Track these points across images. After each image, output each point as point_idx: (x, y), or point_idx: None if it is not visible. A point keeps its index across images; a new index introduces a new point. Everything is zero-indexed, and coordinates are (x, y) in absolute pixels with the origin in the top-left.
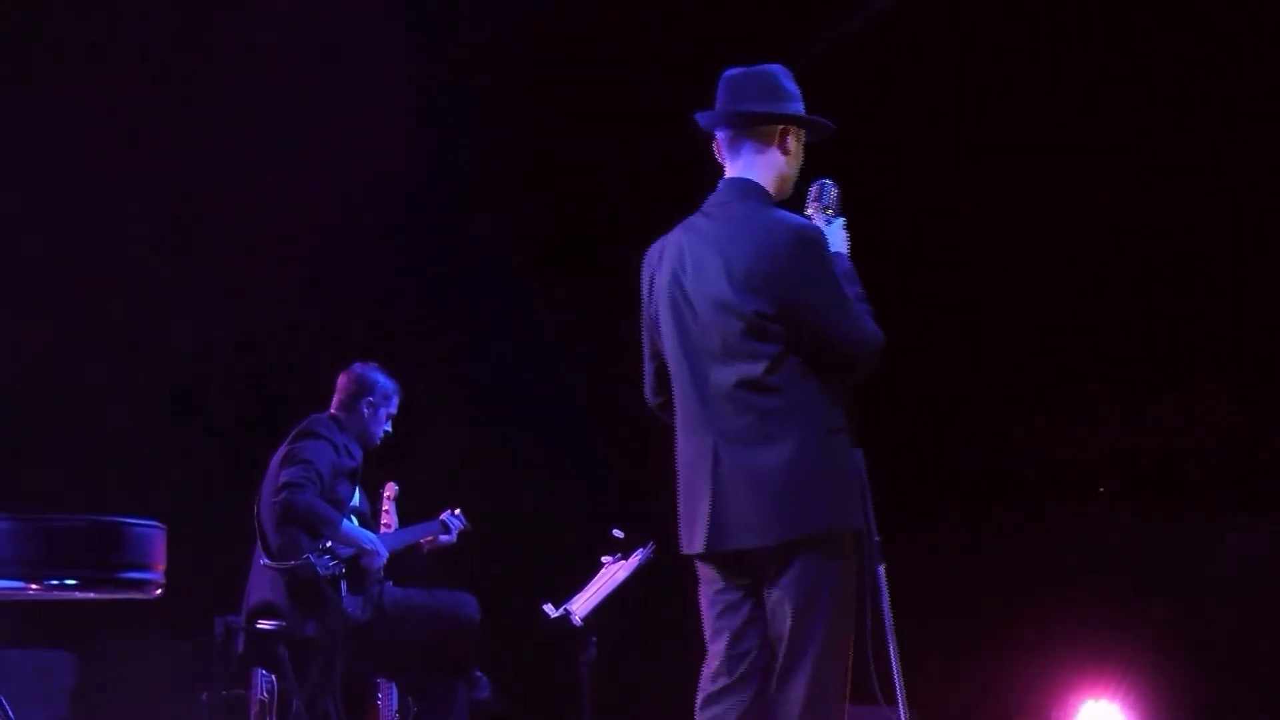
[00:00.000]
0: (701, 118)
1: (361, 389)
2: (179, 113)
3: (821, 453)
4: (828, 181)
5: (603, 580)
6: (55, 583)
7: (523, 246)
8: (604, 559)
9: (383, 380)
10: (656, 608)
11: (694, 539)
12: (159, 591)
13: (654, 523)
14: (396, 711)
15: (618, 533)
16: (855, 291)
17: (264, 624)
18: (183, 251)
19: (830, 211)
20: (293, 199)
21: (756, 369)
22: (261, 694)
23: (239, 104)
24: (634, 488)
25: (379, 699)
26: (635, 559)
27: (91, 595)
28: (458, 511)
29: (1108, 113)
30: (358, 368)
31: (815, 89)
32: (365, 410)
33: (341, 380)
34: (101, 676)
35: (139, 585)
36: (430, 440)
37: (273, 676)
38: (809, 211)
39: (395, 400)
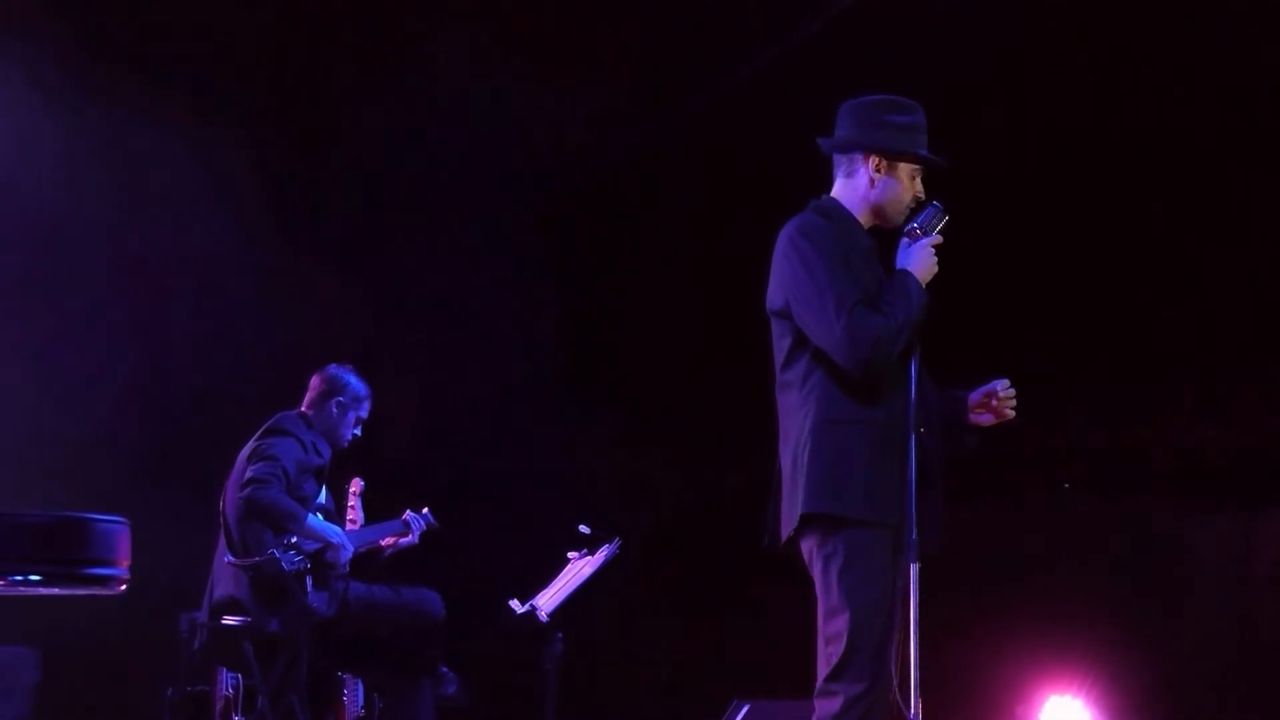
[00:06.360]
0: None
1: (332, 389)
2: None
3: (814, 444)
4: (934, 204)
5: (569, 576)
6: (19, 579)
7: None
8: (570, 554)
9: (354, 382)
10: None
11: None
12: (123, 587)
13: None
14: (362, 708)
15: (584, 528)
16: (899, 303)
17: (229, 620)
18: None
19: (920, 232)
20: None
21: (779, 364)
22: (226, 690)
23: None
24: (601, 483)
25: (344, 695)
26: (601, 555)
27: (56, 591)
28: (424, 511)
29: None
30: (331, 368)
31: None
32: (334, 410)
33: (314, 379)
34: (65, 673)
35: (103, 581)
36: (395, 436)
37: (237, 673)
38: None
39: (366, 405)
